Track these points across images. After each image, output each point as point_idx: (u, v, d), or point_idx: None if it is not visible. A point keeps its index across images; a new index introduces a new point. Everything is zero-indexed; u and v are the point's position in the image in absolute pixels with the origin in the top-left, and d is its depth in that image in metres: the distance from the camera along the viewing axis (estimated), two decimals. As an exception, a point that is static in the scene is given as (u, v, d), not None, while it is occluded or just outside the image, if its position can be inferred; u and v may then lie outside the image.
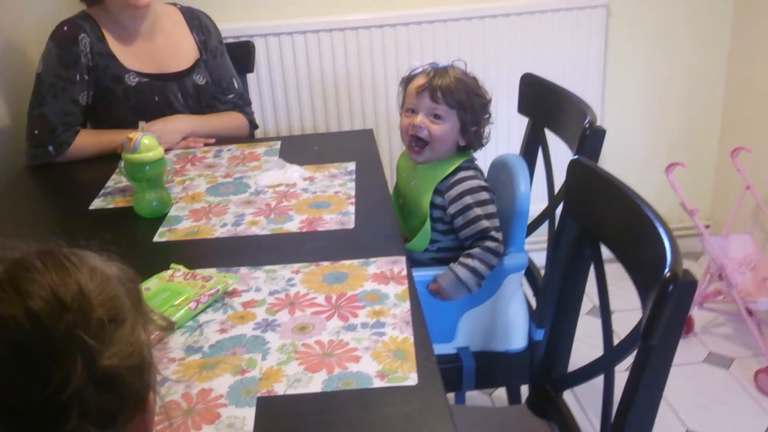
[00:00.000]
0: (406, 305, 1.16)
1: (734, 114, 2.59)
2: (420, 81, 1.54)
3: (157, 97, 1.93)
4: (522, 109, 1.79)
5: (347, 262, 1.30)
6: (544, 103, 1.71)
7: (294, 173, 1.72)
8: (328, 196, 1.60)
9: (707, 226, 2.65)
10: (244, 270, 1.30)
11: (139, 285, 0.71)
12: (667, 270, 0.88)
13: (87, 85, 1.88)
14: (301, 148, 1.93)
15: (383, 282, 1.23)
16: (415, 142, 1.54)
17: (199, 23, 2.02)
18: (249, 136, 2.09)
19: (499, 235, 1.50)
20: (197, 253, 1.40)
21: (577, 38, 2.42)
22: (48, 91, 1.83)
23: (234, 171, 1.78)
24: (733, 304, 2.19)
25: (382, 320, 1.12)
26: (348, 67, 2.42)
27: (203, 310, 1.18)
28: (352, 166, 1.76)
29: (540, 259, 1.78)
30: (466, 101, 1.52)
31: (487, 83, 1.59)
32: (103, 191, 1.69)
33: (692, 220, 2.21)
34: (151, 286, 1.24)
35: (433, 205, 1.55)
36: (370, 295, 1.19)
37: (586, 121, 1.42)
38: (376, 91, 2.46)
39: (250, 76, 2.34)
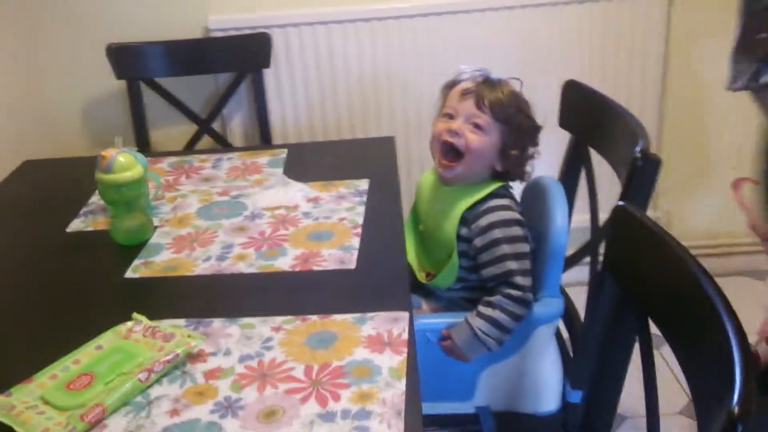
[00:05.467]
0: (401, 386, 0.94)
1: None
2: (467, 85, 1.32)
3: None
4: (563, 122, 1.54)
5: (339, 318, 1.09)
6: (590, 117, 1.45)
7: (297, 192, 1.51)
8: (332, 223, 1.39)
9: (778, 246, 2.35)
10: (217, 323, 1.09)
11: None
12: (734, 403, 0.63)
13: None
14: (310, 159, 1.72)
15: (378, 348, 1.01)
16: (448, 152, 1.31)
17: None
18: None
19: (525, 281, 1.27)
20: (169, 296, 1.21)
21: (634, 32, 2.14)
22: None
23: (232, 186, 1.57)
24: (807, 342, 1.90)
25: (368, 408, 0.90)
26: (375, 63, 2.18)
27: (157, 381, 0.98)
28: (364, 184, 1.54)
29: (581, 296, 1.54)
30: (514, 118, 1.29)
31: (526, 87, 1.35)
32: (84, 209, 1.51)
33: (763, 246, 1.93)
34: (104, 344, 1.04)
35: (458, 237, 1.32)
36: (359, 368, 0.98)
37: (638, 148, 1.16)
38: (407, 90, 2.22)
39: (266, 72, 2.13)
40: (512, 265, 1.27)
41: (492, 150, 1.30)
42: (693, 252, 0.84)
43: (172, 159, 1.74)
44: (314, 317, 1.10)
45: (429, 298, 1.40)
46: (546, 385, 1.33)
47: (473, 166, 1.31)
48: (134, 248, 1.34)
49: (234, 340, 1.05)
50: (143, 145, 2.12)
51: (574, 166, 1.51)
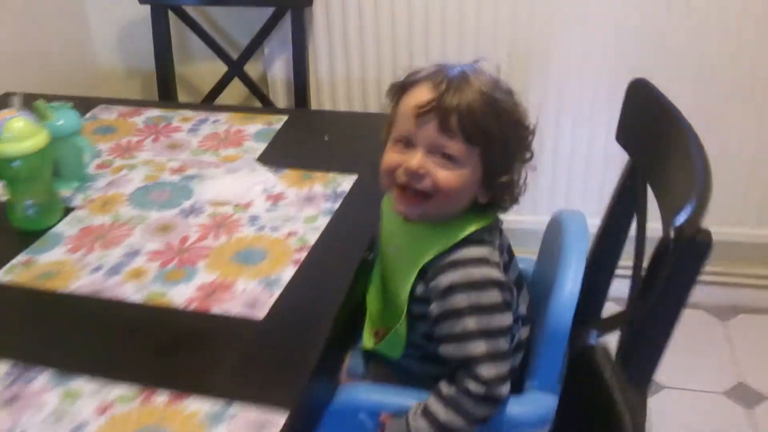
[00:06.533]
0: None
1: None
2: (423, 95, 0.88)
3: None
4: (621, 136, 1.09)
5: (192, 407, 0.77)
6: (650, 137, 1.00)
7: (258, 186, 1.18)
8: (275, 239, 1.06)
9: None
10: (41, 381, 0.81)
11: None
12: None
13: None
14: (307, 133, 1.39)
15: (211, 476, 0.69)
16: (407, 193, 0.91)
17: None
18: None
19: (493, 371, 0.87)
20: (19, 322, 0.94)
21: None
22: None
23: (194, 162, 1.27)
24: None
25: None
26: (445, 12, 1.76)
27: None
28: (348, 182, 1.19)
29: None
30: (496, 133, 0.86)
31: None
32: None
33: None
34: None
35: (412, 297, 0.95)
36: None
37: (680, 218, 0.73)
38: (479, 47, 1.79)
39: (315, 13, 1.79)
40: (477, 347, 0.88)
41: (472, 182, 0.89)
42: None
43: (153, 113, 1.46)
44: (163, 397, 0.79)
45: (381, 358, 1.04)
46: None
47: (445, 206, 0.91)
48: (34, 236, 1.08)
49: (41, 417, 0.77)
50: (165, 83, 1.86)
51: (626, 200, 1.07)
